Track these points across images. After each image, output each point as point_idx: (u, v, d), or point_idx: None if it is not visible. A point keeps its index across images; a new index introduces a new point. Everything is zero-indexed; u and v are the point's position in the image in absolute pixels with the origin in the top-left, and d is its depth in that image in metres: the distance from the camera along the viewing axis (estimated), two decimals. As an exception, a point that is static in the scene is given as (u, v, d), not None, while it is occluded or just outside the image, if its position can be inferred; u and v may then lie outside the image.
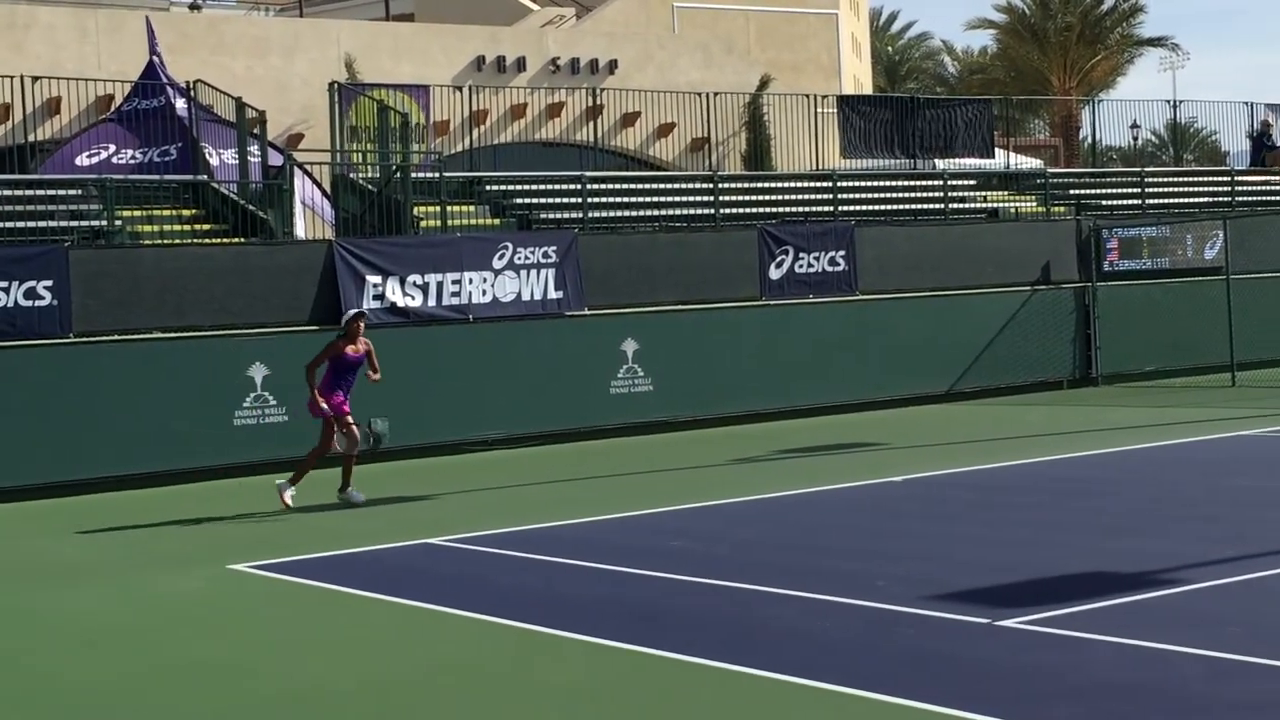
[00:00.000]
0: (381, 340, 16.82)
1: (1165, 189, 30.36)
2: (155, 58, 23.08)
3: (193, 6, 35.12)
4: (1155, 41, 60.77)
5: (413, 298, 19.96)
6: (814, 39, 36.73)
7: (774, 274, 22.94)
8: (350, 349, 15.41)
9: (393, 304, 19.74)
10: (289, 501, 15.17)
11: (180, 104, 22.40)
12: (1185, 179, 31.94)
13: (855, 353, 23.32)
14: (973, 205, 27.61)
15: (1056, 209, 27.84)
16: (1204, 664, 7.73)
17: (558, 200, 23.99)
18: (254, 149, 21.55)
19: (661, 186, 25.70)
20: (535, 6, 37.05)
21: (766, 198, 25.97)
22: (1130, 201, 29.26)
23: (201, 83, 23.42)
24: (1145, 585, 9.63)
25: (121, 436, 17.93)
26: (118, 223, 19.79)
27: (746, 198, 25.81)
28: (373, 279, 19.73)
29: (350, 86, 24.44)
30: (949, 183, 27.25)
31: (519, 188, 24.27)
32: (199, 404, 18.40)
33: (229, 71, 26.24)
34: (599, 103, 29.33)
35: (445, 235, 21.16)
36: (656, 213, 24.08)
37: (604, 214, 23.42)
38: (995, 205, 27.61)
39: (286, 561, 12.30)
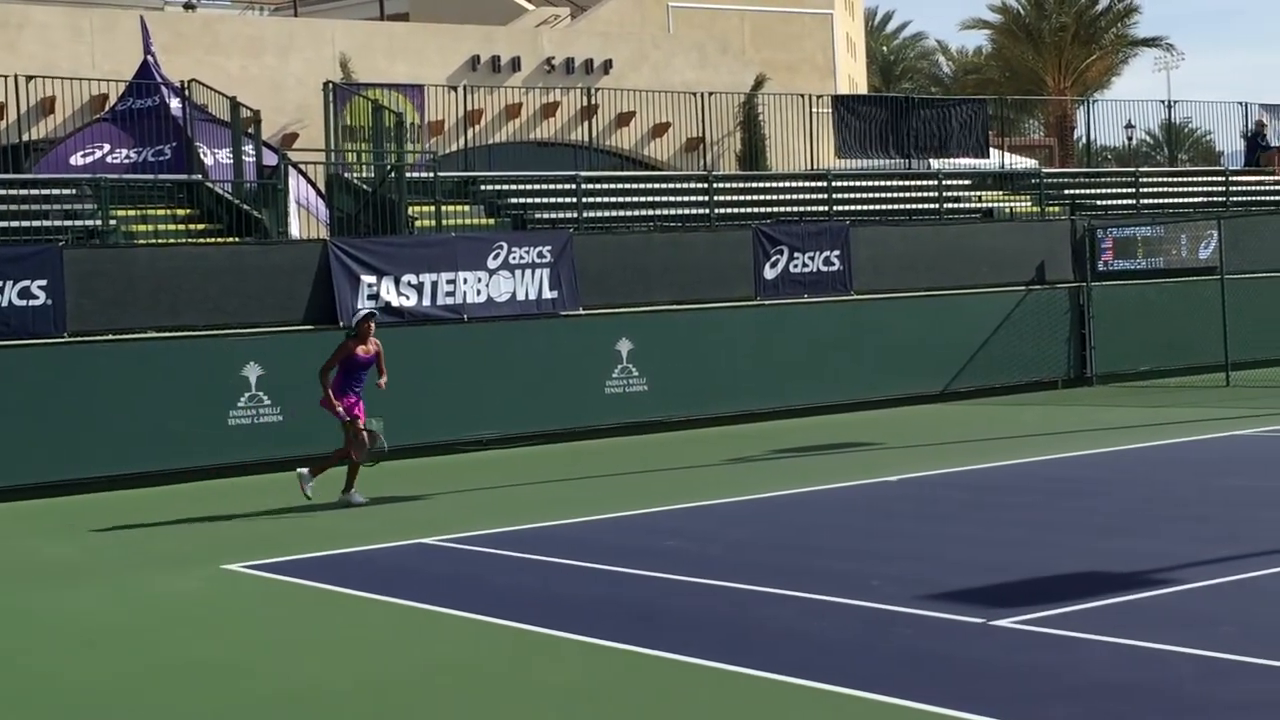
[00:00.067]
0: (377, 339, 16.77)
1: (1160, 189, 30.40)
2: (150, 57, 23.08)
3: (187, 6, 35.11)
4: (1150, 42, 60.87)
5: (407, 297, 19.96)
6: (809, 39, 36.76)
7: (769, 274, 22.96)
8: (361, 350, 15.45)
9: (387, 304, 19.73)
10: (309, 494, 15.24)
11: (175, 103, 22.40)
12: (1180, 179, 31.97)
13: (850, 353, 23.34)
14: (967, 205, 27.64)
15: (1051, 209, 27.87)
16: (1198, 664, 7.74)
17: (552, 200, 24.00)
18: (248, 148, 21.55)
19: (656, 186, 25.71)
20: (530, 6, 37.06)
21: (761, 197, 25.98)
22: (1125, 201, 29.30)
23: (196, 82, 23.44)
24: (1138, 585, 9.65)
25: (115, 436, 17.92)
26: (112, 222, 19.78)
27: (741, 197, 25.81)
28: (367, 279, 19.74)
29: (345, 86, 24.44)
30: (944, 183, 27.27)
31: (514, 187, 24.27)
32: (193, 404, 18.39)
33: (224, 71, 26.24)
34: (594, 102, 29.34)
35: (440, 235, 21.16)
36: (651, 212, 24.08)
37: (599, 214, 23.42)
38: (990, 205, 27.64)
39: (281, 561, 12.30)
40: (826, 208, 25.40)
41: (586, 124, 29.42)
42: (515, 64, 30.33)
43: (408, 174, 21.85)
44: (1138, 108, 35.22)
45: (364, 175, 22.50)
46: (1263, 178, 32.17)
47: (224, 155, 21.88)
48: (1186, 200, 29.92)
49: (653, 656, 8.49)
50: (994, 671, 7.88)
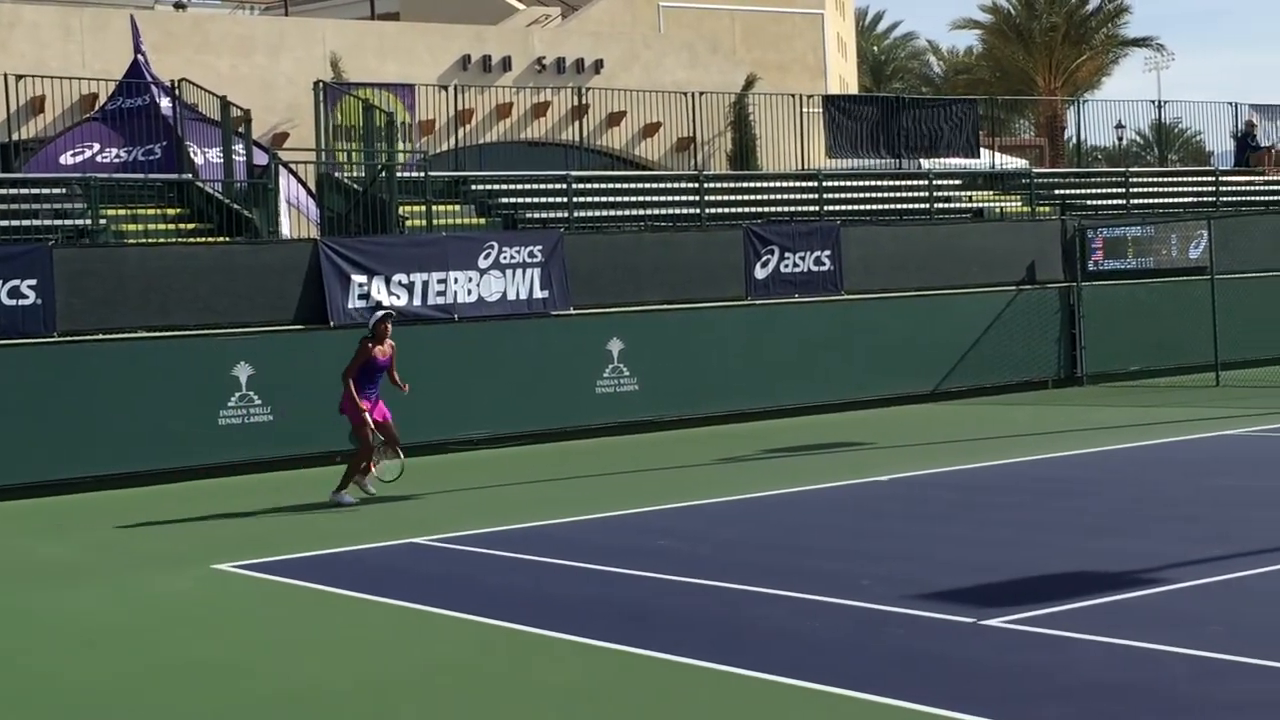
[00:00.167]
0: (367, 340, 16.77)
1: (1150, 189, 30.45)
2: (140, 56, 23.02)
3: (178, 5, 35.02)
4: (1140, 42, 61.01)
5: (398, 297, 19.94)
6: (799, 39, 36.77)
7: (759, 274, 22.97)
8: (379, 351, 15.46)
9: (378, 303, 19.71)
10: (370, 489, 15.46)
11: (165, 103, 22.35)
12: (1170, 179, 32.03)
13: (840, 352, 23.35)
14: (958, 205, 27.66)
15: (1041, 209, 27.89)
16: (1191, 664, 7.76)
17: (543, 200, 23.99)
18: (239, 148, 21.51)
19: (647, 186, 25.71)
20: (521, 6, 37.04)
21: (752, 197, 25.99)
22: (1115, 201, 29.33)
23: (186, 81, 23.38)
24: (1127, 585, 9.67)
25: (105, 436, 17.89)
26: (102, 221, 19.74)
27: (732, 197, 25.82)
28: (358, 278, 19.72)
29: (335, 85, 24.42)
30: (934, 183, 27.30)
31: (504, 187, 24.26)
32: (184, 403, 18.36)
33: (214, 70, 26.20)
34: (584, 102, 29.34)
35: (431, 235, 21.15)
36: (642, 212, 24.09)
37: (589, 213, 23.42)
38: (980, 205, 27.67)
39: (274, 561, 12.30)
40: (817, 207, 25.42)
41: (577, 124, 29.42)
42: (506, 64, 30.32)
43: (398, 173, 21.83)
44: (1128, 108, 35.23)
45: (355, 175, 22.48)
46: (1252, 178, 32.23)
47: (214, 155, 21.85)
48: (1176, 200, 29.97)
49: (646, 656, 8.50)
50: (987, 671, 7.89)
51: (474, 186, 24.12)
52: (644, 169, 29.90)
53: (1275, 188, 31.92)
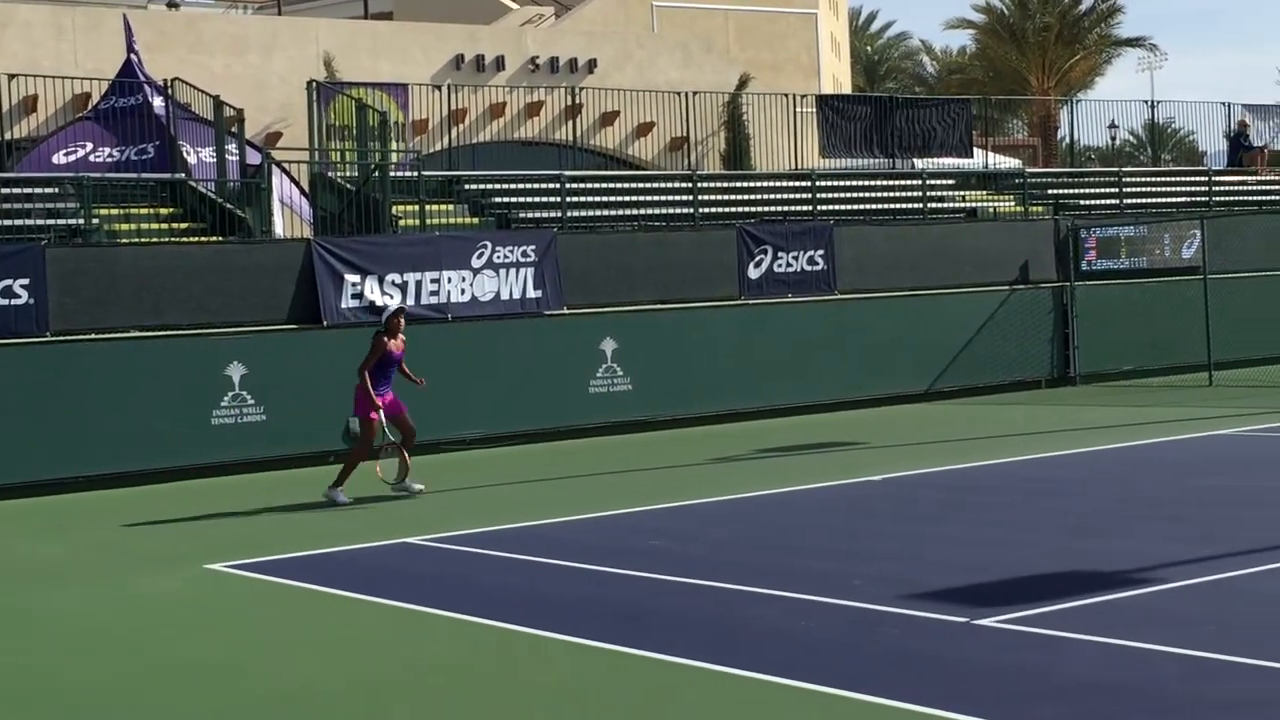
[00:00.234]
0: (360, 339, 16.77)
1: (1143, 189, 30.48)
2: (133, 55, 23.01)
3: (170, 4, 35.02)
4: (1133, 42, 61.07)
5: (391, 297, 19.92)
6: (793, 38, 36.79)
7: (753, 273, 22.98)
8: (394, 345, 15.52)
9: (371, 303, 19.71)
10: (416, 487, 15.60)
11: (158, 102, 22.34)
12: (1163, 179, 32.06)
13: (834, 352, 23.36)
14: (951, 205, 27.68)
15: (1035, 209, 27.92)
16: (1183, 664, 7.77)
17: (536, 199, 23.98)
18: (232, 147, 21.51)
19: (640, 186, 25.70)
20: (514, 5, 37.05)
21: (745, 197, 25.99)
22: (1108, 201, 29.37)
23: (179, 81, 23.37)
24: (1118, 585, 9.68)
25: (98, 436, 17.87)
26: (95, 221, 19.72)
27: (725, 197, 25.82)
28: (351, 278, 19.71)
29: (329, 85, 24.39)
30: (927, 182, 27.31)
31: (498, 187, 24.26)
32: (176, 403, 18.34)
33: (207, 70, 26.18)
34: (578, 102, 29.34)
35: (424, 234, 21.14)
36: (635, 212, 24.08)
37: (583, 213, 23.41)
38: (974, 205, 27.69)
39: (267, 561, 12.29)
40: (810, 207, 25.43)
41: (571, 123, 29.41)
42: (499, 63, 30.31)
43: (392, 173, 21.82)
44: (1121, 108, 35.31)
45: (348, 174, 22.47)
46: (1245, 178, 32.28)
47: (207, 154, 21.83)
48: (1170, 200, 30.01)
49: (640, 656, 8.50)
50: (980, 671, 7.90)
51: (467, 186, 24.11)
52: (637, 169, 29.90)
53: (1268, 188, 31.98)
